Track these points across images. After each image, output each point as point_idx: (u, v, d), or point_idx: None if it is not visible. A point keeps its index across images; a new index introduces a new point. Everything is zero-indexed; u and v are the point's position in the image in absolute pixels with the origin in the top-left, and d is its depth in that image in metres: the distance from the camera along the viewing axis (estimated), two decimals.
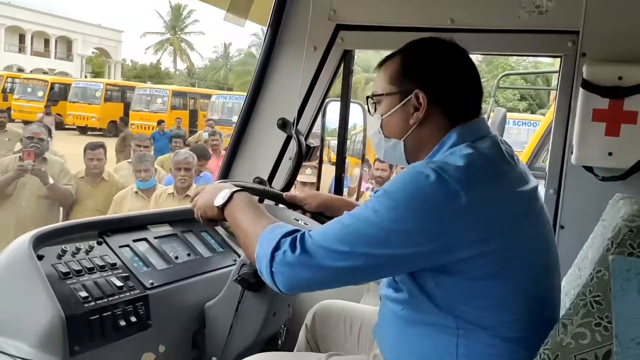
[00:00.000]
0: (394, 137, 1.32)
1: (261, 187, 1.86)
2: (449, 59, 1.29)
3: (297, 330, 1.82)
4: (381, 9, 2.05)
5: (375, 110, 1.36)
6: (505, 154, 1.28)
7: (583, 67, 1.72)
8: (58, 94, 23.24)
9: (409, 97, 1.27)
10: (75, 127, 22.20)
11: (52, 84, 23.54)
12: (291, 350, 1.79)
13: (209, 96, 23.52)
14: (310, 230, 1.21)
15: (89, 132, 21.02)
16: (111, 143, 9.64)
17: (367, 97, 1.37)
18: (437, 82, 1.27)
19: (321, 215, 1.75)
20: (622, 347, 1.02)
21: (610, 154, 1.69)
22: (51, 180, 4.14)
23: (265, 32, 2.22)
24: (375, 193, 1.18)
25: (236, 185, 1.63)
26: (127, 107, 22.61)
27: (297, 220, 1.66)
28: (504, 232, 1.16)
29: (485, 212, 1.13)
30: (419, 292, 1.20)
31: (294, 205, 1.78)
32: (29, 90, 22.97)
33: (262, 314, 1.68)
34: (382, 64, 1.36)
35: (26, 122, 21.47)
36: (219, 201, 1.42)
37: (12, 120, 20.62)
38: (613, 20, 1.73)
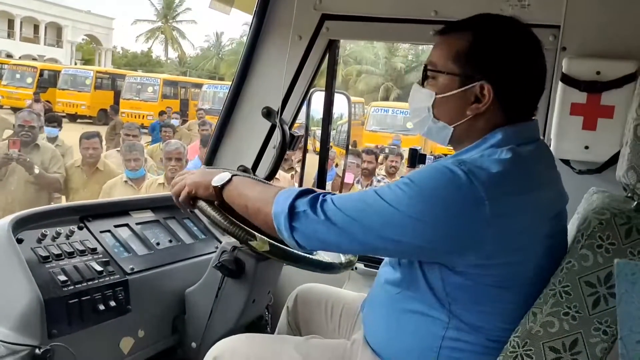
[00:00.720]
0: (444, 121, 1.23)
1: (258, 178, 1.83)
2: (524, 52, 1.19)
3: (279, 316, 1.84)
4: None
5: (427, 83, 1.25)
6: (546, 164, 1.25)
7: (563, 61, 1.74)
8: (47, 80, 22.98)
9: (472, 85, 1.18)
10: (64, 114, 21.89)
11: (42, 70, 23.27)
12: (273, 333, 1.81)
13: (200, 85, 23.41)
14: (329, 194, 1.21)
15: (79, 120, 20.86)
16: (101, 131, 9.60)
17: (424, 66, 1.25)
18: (507, 77, 1.17)
19: None
20: (627, 350, 1.03)
21: (586, 147, 1.71)
22: (37, 170, 4.19)
23: (251, 20, 2.22)
24: (402, 178, 1.16)
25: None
26: (117, 95, 22.44)
27: None
28: (521, 250, 1.15)
29: (507, 227, 1.11)
30: (422, 279, 1.20)
31: None
32: (18, 76, 22.71)
33: (242, 300, 1.70)
34: (446, 32, 1.24)
35: (15, 109, 21.34)
36: (217, 181, 1.39)
37: (0, 107, 20.49)
38: (593, 15, 1.75)
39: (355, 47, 35.92)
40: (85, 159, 4.57)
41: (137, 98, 21.59)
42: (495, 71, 1.17)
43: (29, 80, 22.42)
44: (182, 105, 22.12)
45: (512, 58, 1.18)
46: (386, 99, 30.69)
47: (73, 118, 21.37)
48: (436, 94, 1.22)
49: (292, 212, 1.20)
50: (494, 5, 1.83)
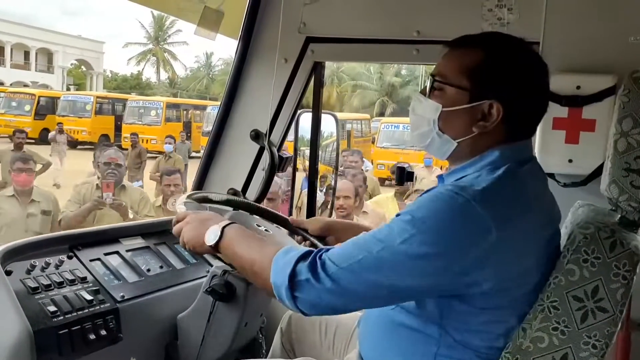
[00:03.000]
0: (449, 135, 1.20)
1: (261, 207, 1.80)
2: (533, 73, 1.19)
3: (272, 339, 1.83)
4: (350, 21, 2.09)
5: (432, 94, 1.22)
6: (542, 182, 1.25)
7: None
8: (45, 107, 22.71)
9: (481, 102, 1.16)
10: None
11: (39, 97, 23.01)
12: (265, 357, 1.80)
13: (202, 107, 23.19)
14: (326, 251, 1.16)
15: (79, 147, 20.35)
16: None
17: (431, 77, 1.22)
18: (517, 98, 1.16)
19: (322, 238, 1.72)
20: None
21: (570, 160, 1.73)
22: (131, 215, 3.86)
23: (237, 44, 2.24)
24: (400, 216, 1.12)
25: (233, 204, 1.64)
26: (117, 119, 22.18)
27: (259, 227, 1.65)
28: (521, 273, 1.15)
29: (511, 251, 1.11)
30: (416, 300, 1.19)
31: (297, 229, 1.71)
32: (15, 104, 22.44)
33: (234, 324, 1.70)
34: (456, 45, 1.22)
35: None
36: (210, 240, 1.32)
37: None
38: (571, 31, 1.78)
39: (348, 64, 36.15)
40: (167, 197, 4.17)
41: (140, 122, 21.04)
42: (505, 91, 1.16)
43: (27, 107, 22.16)
44: (185, 128, 21.76)
45: (521, 78, 1.17)
46: (382, 114, 30.79)
47: (73, 145, 20.78)
48: (443, 107, 1.19)
49: (293, 281, 1.14)
50: (475, 23, 1.86)
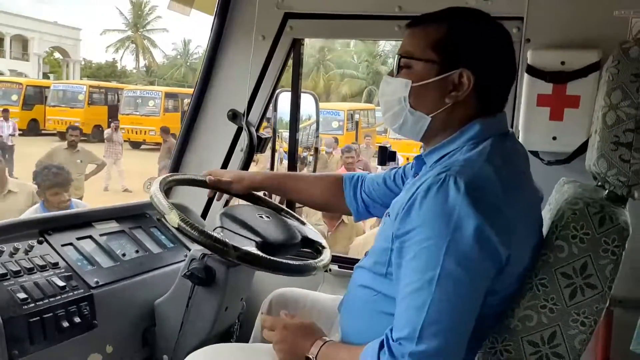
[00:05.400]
0: (421, 111, 1.19)
1: (186, 176, 1.80)
2: (498, 43, 1.19)
3: (253, 322, 1.79)
4: None
5: (401, 73, 1.21)
6: (524, 159, 1.25)
7: (527, 53, 1.75)
8: (33, 97, 21.68)
9: (451, 73, 1.15)
10: (55, 132, 20.28)
11: (27, 86, 21.95)
12: (247, 342, 1.76)
13: None
14: (391, 339, 1.08)
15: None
16: (95, 148, 9.18)
17: (398, 56, 1.22)
18: (485, 66, 1.16)
19: (252, 197, 1.76)
20: None
21: (554, 138, 1.72)
22: None
23: (212, 21, 2.17)
24: (412, 241, 1.08)
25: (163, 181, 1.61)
26: (110, 110, 21.39)
27: (260, 216, 1.65)
28: (516, 258, 1.12)
29: (516, 267, 1.12)
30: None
31: (219, 189, 1.73)
32: (0, 93, 21.35)
33: (214, 308, 1.65)
34: (420, 23, 1.21)
35: None
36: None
37: None
38: (555, 6, 1.76)
39: (335, 52, 35.92)
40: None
41: (137, 113, 20.00)
42: (474, 59, 1.15)
43: (14, 97, 21.11)
44: (183, 118, 21.16)
45: (488, 48, 1.17)
46: (369, 102, 30.50)
47: (63, 136, 20.20)
48: (412, 83, 1.18)
49: None
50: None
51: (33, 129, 20.27)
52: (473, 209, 1.03)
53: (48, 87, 22.40)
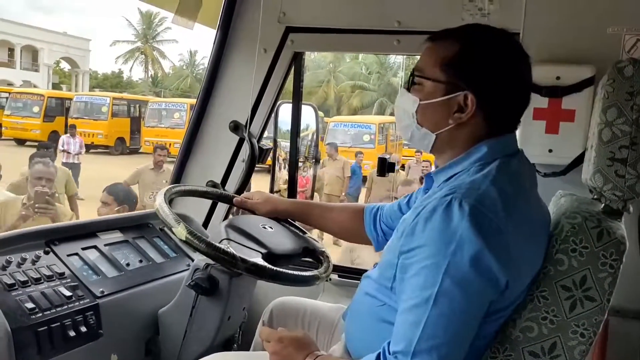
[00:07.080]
0: (427, 128, 1.22)
1: (214, 190, 1.89)
2: (510, 64, 1.18)
3: (254, 331, 1.81)
4: (330, 11, 2.07)
5: (413, 88, 1.24)
6: (530, 177, 1.26)
7: None
8: (54, 109, 21.36)
9: (455, 94, 1.17)
10: None
11: (48, 98, 21.66)
12: (248, 349, 1.78)
13: None
14: (388, 352, 1.11)
15: (92, 150, 18.79)
16: (118, 161, 8.69)
17: (412, 72, 1.24)
18: (491, 88, 1.16)
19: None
20: None
21: (550, 150, 1.75)
22: None
23: (215, 34, 2.20)
24: (417, 259, 1.10)
25: (183, 191, 1.65)
26: (133, 122, 21.31)
27: (264, 227, 1.68)
28: (522, 275, 1.15)
29: (516, 289, 1.14)
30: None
31: (244, 208, 1.79)
32: (20, 105, 21.11)
33: (217, 318, 1.67)
34: (435, 39, 1.23)
35: (19, 141, 20.20)
36: None
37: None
38: (551, 22, 1.80)
39: (345, 63, 35.70)
40: None
41: (162, 125, 19.91)
42: (479, 82, 1.16)
43: (36, 109, 20.80)
44: None
45: (497, 70, 1.17)
46: (381, 114, 30.01)
47: (87, 148, 19.57)
48: (420, 100, 1.21)
49: None
50: (456, 14, 1.86)
51: (54, 141, 19.95)
52: (475, 233, 1.05)
53: (69, 99, 22.09)
